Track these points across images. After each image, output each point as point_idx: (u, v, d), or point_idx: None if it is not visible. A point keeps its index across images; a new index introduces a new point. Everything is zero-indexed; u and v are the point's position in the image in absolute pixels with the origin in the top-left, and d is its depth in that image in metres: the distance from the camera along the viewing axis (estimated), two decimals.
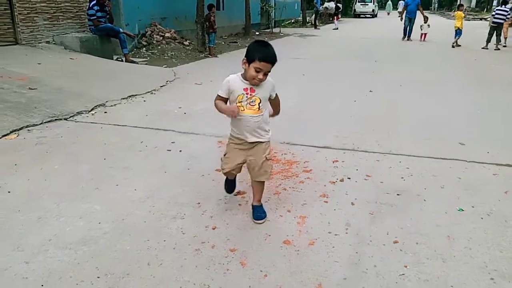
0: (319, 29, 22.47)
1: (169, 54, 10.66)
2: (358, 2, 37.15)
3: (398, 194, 3.06)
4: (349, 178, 3.35)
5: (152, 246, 2.39)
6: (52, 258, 2.26)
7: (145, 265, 2.21)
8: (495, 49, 12.80)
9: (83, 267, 2.19)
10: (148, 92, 6.49)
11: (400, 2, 48.66)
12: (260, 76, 2.41)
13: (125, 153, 3.87)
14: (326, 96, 6.42)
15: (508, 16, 12.81)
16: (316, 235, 2.52)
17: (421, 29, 15.23)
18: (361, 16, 36.65)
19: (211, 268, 2.20)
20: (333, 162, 3.69)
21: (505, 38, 13.33)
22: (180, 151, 3.97)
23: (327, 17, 27.06)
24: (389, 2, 49.52)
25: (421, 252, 2.34)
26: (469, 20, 26.22)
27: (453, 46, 13.36)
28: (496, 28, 12.98)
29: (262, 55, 2.38)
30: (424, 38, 15.28)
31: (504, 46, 13.36)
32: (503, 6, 13.11)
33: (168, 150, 3.99)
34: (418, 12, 15.25)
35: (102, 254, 2.30)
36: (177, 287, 2.05)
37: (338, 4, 25.30)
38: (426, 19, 15.11)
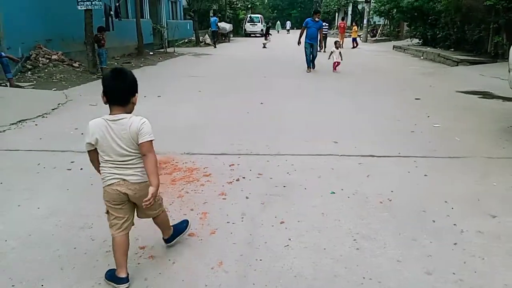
0: (216, 47, 23.33)
1: (57, 77, 10.25)
2: (248, 22, 39.12)
3: (284, 186, 3.60)
4: (243, 178, 3.81)
5: (63, 254, 2.54)
6: None
7: (58, 270, 2.37)
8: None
9: None
10: (39, 116, 6.30)
11: (287, 22, 52.87)
12: None
13: (22, 176, 3.84)
14: (221, 109, 6.89)
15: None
16: (216, 226, 2.90)
17: (332, 57, 11.90)
18: (252, 35, 38.61)
19: None
20: (230, 166, 4.12)
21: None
22: (81, 169, 4.04)
23: (220, 37, 28.11)
24: (278, 22, 53.13)
25: (302, 227, 2.86)
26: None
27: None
28: None
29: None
30: (335, 68, 11.95)
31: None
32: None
33: (68, 169, 4.04)
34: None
35: (13, 266, 2.39)
36: (93, 283, 2.25)
37: (268, 26, 27.02)
38: (336, 44, 12.11)
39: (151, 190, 2.11)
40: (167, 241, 2.61)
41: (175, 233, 2.62)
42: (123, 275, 2.22)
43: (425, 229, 2.86)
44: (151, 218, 2.47)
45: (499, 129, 5.48)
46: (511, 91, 5.86)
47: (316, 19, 11.89)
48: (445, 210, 3.13)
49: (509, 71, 5.28)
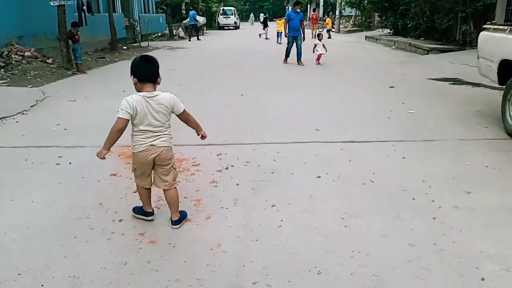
0: (200, 39, 23.26)
1: (32, 74, 10.03)
2: (221, 15, 38.90)
3: (272, 172, 3.75)
4: (232, 166, 3.94)
5: (65, 243, 2.61)
6: None
7: (62, 258, 2.45)
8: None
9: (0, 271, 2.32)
10: (19, 113, 6.21)
11: (261, 14, 52.74)
12: None
13: (12, 172, 3.85)
14: (202, 102, 6.94)
15: None
16: (211, 211, 3.03)
17: (316, 50, 11.68)
18: (225, 28, 38.43)
19: (125, 249, 2.54)
20: (217, 156, 4.24)
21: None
22: (70, 163, 4.08)
23: (194, 30, 27.91)
24: (252, 14, 53.00)
25: (292, 209, 3.03)
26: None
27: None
28: None
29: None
30: (318, 60, 11.76)
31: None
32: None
33: (57, 164, 4.07)
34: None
35: (17, 256, 2.46)
36: (98, 267, 2.35)
37: (265, 17, 26.86)
38: (319, 36, 12.04)
39: (203, 133, 3.04)
40: (175, 222, 2.80)
41: (182, 216, 2.85)
42: (150, 209, 2.87)
43: (406, 206, 3.07)
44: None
45: (470, 113, 5.81)
46: (480, 77, 6.20)
47: (298, 10, 11.78)
48: (423, 188, 3.36)
49: (478, 58, 5.59)
